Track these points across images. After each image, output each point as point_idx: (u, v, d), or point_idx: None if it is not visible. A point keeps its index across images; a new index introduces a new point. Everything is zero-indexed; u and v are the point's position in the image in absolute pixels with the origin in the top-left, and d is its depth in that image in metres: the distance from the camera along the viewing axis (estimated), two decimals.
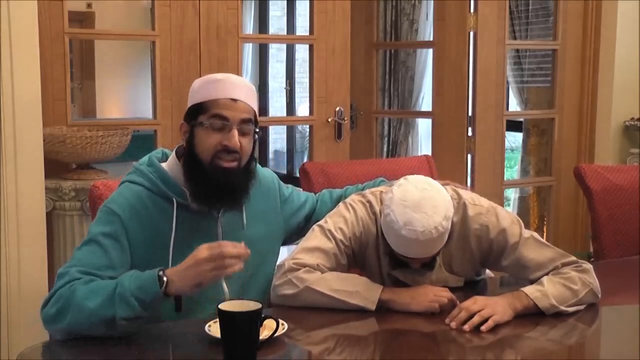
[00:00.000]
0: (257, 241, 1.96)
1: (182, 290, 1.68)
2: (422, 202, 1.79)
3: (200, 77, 3.42)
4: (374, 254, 1.98)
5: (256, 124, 1.91)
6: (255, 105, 1.92)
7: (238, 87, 1.88)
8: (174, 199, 1.86)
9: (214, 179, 1.83)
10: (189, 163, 1.87)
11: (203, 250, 1.67)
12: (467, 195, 2.01)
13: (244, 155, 1.88)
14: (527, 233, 1.97)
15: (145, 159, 1.95)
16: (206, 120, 1.84)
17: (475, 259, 2.03)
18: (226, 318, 1.54)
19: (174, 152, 1.95)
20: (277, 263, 1.96)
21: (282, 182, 2.15)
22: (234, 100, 1.86)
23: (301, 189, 2.64)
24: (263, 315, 1.58)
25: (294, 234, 2.16)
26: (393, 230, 1.81)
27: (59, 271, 1.76)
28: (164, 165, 1.92)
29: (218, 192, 1.85)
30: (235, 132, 1.84)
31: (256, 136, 1.91)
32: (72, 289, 1.67)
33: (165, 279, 1.66)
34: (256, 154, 2.00)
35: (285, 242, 2.16)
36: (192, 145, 1.86)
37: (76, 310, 1.65)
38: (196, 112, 1.86)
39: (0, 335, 2.75)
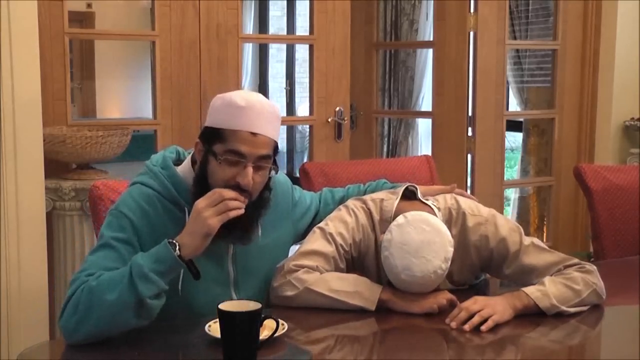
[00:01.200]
0: (268, 249, 1.94)
1: (195, 248, 1.66)
2: (421, 247, 1.80)
3: (200, 77, 3.48)
4: (373, 261, 1.98)
5: (275, 153, 1.82)
6: (276, 134, 1.81)
7: (259, 118, 1.76)
8: (186, 208, 1.79)
9: None
10: (201, 184, 1.78)
11: (201, 201, 1.67)
12: (467, 204, 2.01)
13: (256, 192, 1.79)
14: (527, 240, 1.96)
15: (158, 158, 1.87)
16: (221, 153, 1.74)
17: (476, 268, 2.04)
18: (226, 318, 1.54)
19: (189, 158, 1.88)
20: (277, 265, 1.95)
21: (292, 185, 2.10)
22: (254, 134, 1.74)
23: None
24: (263, 316, 1.58)
25: (300, 236, 2.11)
26: (393, 273, 1.83)
27: (72, 277, 1.72)
28: (178, 169, 1.85)
29: (226, 227, 1.72)
30: (250, 171, 1.74)
31: (272, 171, 1.82)
32: (86, 290, 1.63)
33: (177, 244, 1.65)
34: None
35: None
36: (205, 170, 1.78)
37: (98, 308, 1.60)
38: (212, 137, 1.76)
39: (0, 335, 2.75)
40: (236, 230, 1.76)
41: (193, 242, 1.67)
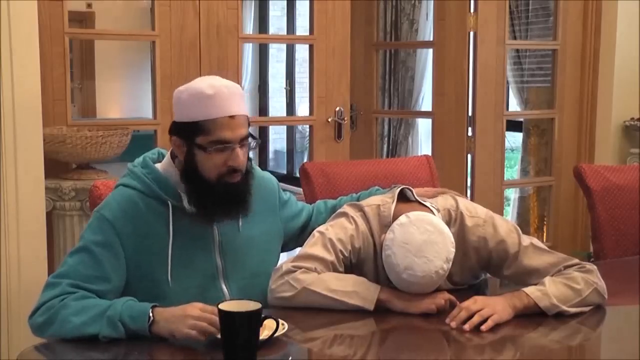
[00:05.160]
0: (254, 241, 1.97)
1: (161, 334, 1.65)
2: (423, 247, 1.80)
3: (200, 77, 3.45)
4: (372, 268, 1.98)
5: (248, 126, 1.86)
6: (246, 108, 1.87)
7: (230, 99, 1.80)
8: (169, 202, 1.84)
9: (221, 194, 1.82)
10: (191, 179, 1.82)
11: (195, 309, 1.64)
12: (465, 205, 2.01)
13: (244, 166, 1.86)
14: (526, 241, 1.96)
15: (139, 160, 1.93)
16: (208, 145, 1.78)
17: (475, 269, 2.04)
18: (226, 318, 1.55)
19: (168, 153, 1.92)
20: (275, 267, 1.95)
21: (280, 188, 2.15)
22: (232, 117, 1.79)
23: (301, 191, 2.65)
24: (263, 316, 1.58)
25: (292, 240, 2.15)
26: (394, 272, 1.83)
27: (48, 280, 1.76)
28: (158, 166, 1.90)
29: (226, 205, 1.84)
30: (239, 152, 1.80)
31: (252, 144, 1.87)
32: (63, 303, 1.69)
33: (152, 318, 1.64)
34: (252, 154, 1.97)
35: (283, 248, 2.14)
36: (192, 163, 1.81)
37: (61, 324, 1.67)
38: (191, 131, 1.79)
39: (0, 335, 2.75)
40: (234, 207, 1.85)
41: (163, 328, 1.64)
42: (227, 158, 1.80)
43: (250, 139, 1.85)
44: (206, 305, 1.65)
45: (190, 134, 1.80)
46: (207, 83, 1.82)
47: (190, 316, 1.62)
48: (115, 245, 1.79)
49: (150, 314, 1.64)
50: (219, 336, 1.57)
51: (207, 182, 1.82)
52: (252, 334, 1.55)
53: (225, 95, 1.80)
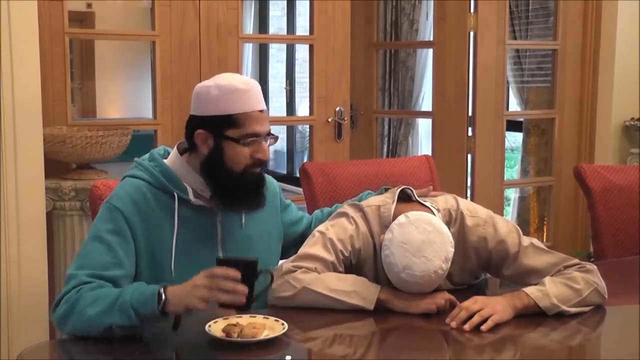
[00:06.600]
0: (256, 240, 2.00)
1: (176, 311, 1.66)
2: (422, 246, 1.80)
3: (200, 77, 3.47)
4: (372, 269, 1.98)
5: None
6: None
7: (258, 96, 1.89)
8: (175, 194, 1.87)
9: (244, 185, 1.88)
10: (214, 170, 1.87)
11: (201, 277, 1.64)
12: (465, 205, 2.01)
13: (268, 160, 1.94)
14: (526, 241, 1.96)
15: (147, 155, 1.97)
16: (240, 137, 1.84)
17: (475, 269, 2.04)
18: (225, 265, 1.60)
19: (175, 148, 1.96)
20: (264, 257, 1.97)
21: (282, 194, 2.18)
22: (261, 111, 1.88)
23: (301, 191, 2.65)
24: (264, 317, 1.59)
25: (291, 247, 2.16)
26: (393, 272, 1.83)
27: (68, 273, 1.78)
28: (166, 160, 1.94)
29: (247, 196, 1.89)
30: (266, 146, 1.89)
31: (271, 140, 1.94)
32: (79, 295, 1.71)
33: (163, 297, 1.64)
34: None
35: (283, 255, 2.15)
36: (219, 155, 1.86)
37: (78, 316, 1.68)
38: (223, 124, 1.85)
39: (0, 335, 2.75)
40: (254, 198, 1.91)
41: (176, 306, 1.65)
42: (254, 151, 1.87)
43: (272, 136, 1.93)
44: (208, 273, 1.64)
45: (220, 127, 1.85)
46: (238, 79, 1.88)
47: (199, 287, 1.62)
48: (126, 233, 1.82)
49: (162, 293, 1.64)
50: (219, 336, 1.57)
51: (232, 173, 1.86)
52: (248, 284, 1.59)
53: (257, 91, 1.89)
